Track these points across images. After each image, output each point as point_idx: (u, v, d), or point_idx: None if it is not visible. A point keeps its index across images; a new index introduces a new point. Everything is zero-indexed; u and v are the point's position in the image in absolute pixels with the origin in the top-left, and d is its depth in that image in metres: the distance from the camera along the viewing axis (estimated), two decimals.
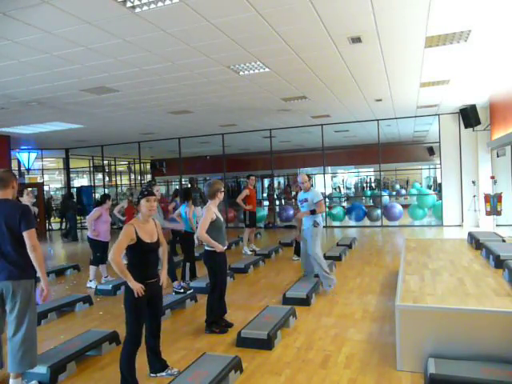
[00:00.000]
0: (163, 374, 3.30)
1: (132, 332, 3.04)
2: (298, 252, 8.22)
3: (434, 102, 9.81)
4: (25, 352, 3.06)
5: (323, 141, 13.03)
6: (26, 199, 5.79)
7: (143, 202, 3.11)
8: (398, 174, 23.55)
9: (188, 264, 6.34)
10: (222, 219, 4.38)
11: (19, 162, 14.93)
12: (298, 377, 3.27)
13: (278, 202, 19.31)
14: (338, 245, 8.78)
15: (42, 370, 3.30)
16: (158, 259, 3.30)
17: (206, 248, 4.35)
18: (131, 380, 3.04)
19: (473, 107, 10.29)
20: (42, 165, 17.21)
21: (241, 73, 6.63)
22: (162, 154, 19.75)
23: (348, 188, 24.88)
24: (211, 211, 4.27)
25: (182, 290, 5.48)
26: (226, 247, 4.47)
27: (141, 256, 3.10)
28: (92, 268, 6.52)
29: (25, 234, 3.10)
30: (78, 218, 17.07)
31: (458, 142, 11.40)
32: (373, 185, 25.08)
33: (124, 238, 3.00)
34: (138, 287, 2.97)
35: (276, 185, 22.27)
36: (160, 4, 4.03)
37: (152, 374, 3.32)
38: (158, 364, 3.34)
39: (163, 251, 3.42)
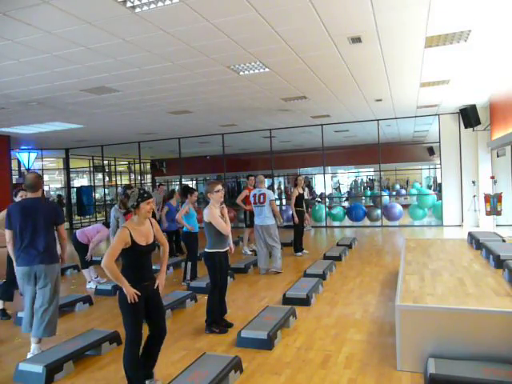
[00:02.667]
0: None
1: (131, 334, 2.98)
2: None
3: (434, 102, 9.81)
4: (50, 322, 3.80)
5: (323, 141, 13.04)
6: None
7: (143, 204, 3.00)
8: (397, 174, 23.55)
9: (190, 263, 6.37)
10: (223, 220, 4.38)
11: (19, 162, 14.93)
12: (298, 377, 3.27)
13: (278, 203, 19.29)
14: (337, 245, 8.78)
15: (37, 369, 3.31)
16: (151, 262, 3.20)
17: (206, 249, 4.35)
18: (137, 382, 2.98)
19: (473, 107, 10.28)
20: (42, 165, 17.21)
21: (241, 73, 6.63)
22: (162, 154, 19.76)
23: (336, 189, 24.78)
24: (214, 211, 4.26)
25: None
26: (227, 248, 4.47)
27: (135, 259, 3.01)
28: (85, 271, 6.50)
29: (59, 227, 3.93)
30: (77, 217, 17.16)
31: (458, 142, 11.40)
32: (367, 184, 25.08)
33: (118, 243, 2.91)
34: (131, 293, 2.89)
35: (276, 185, 22.26)
36: (160, 4, 4.03)
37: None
38: (144, 371, 3.12)
39: (163, 251, 3.35)
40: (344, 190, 25.12)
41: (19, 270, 3.82)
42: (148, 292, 3.07)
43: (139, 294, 2.94)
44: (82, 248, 6.36)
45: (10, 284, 5.06)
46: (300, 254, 8.32)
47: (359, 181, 25.61)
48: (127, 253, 2.97)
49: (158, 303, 3.18)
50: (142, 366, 3.11)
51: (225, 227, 4.25)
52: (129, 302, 2.89)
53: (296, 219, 8.20)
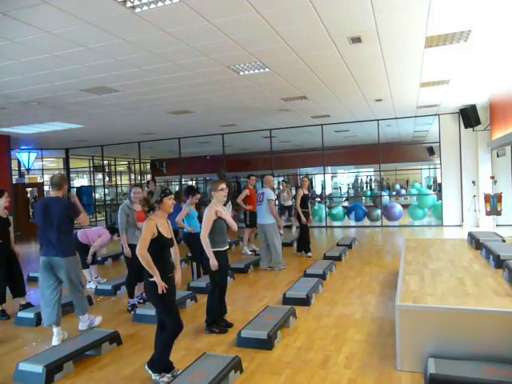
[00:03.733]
0: (168, 375, 3.26)
1: (172, 323, 3.19)
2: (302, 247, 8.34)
3: (434, 102, 9.81)
4: (81, 301, 4.45)
5: (323, 141, 13.04)
6: (4, 202, 5.25)
7: (166, 199, 3.31)
8: (397, 174, 23.55)
9: (195, 264, 6.39)
10: (224, 219, 4.37)
11: (19, 162, 14.93)
12: (298, 377, 3.27)
13: (277, 202, 19.25)
14: (337, 245, 8.78)
15: (37, 369, 3.31)
16: (171, 255, 3.44)
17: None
18: (167, 361, 3.25)
19: (473, 107, 10.28)
20: (42, 165, 17.21)
21: (241, 73, 6.63)
22: (162, 154, 19.76)
23: (336, 189, 24.75)
24: (212, 211, 4.26)
25: (130, 308, 5.15)
26: (227, 247, 4.47)
27: (161, 250, 3.24)
28: (86, 271, 6.49)
29: (78, 219, 4.44)
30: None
31: (458, 142, 11.40)
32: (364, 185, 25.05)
33: (148, 233, 3.14)
34: (162, 285, 3.12)
35: (276, 185, 22.24)
36: (160, 4, 4.03)
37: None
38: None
39: (175, 251, 3.53)
40: (344, 190, 25.09)
41: (40, 260, 4.31)
42: (172, 284, 3.31)
43: (167, 286, 3.15)
44: (82, 248, 6.33)
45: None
46: (310, 254, 8.19)
47: (359, 180, 25.61)
48: (154, 244, 3.17)
49: (174, 295, 3.42)
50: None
51: (205, 240, 4.23)
52: (159, 292, 3.10)
53: (303, 219, 8.16)
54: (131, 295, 5.25)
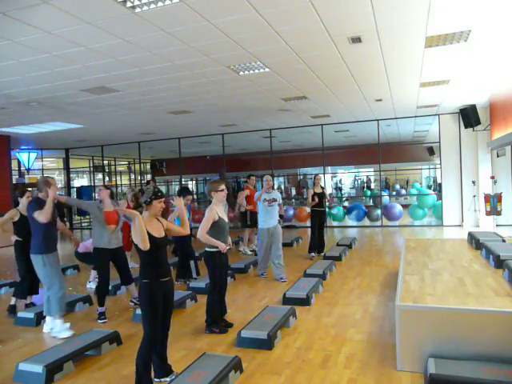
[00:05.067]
0: (167, 379, 3.23)
1: (149, 331, 3.05)
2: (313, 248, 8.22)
3: (434, 102, 9.81)
4: (48, 302, 4.37)
5: (323, 141, 13.04)
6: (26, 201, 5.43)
7: (156, 202, 3.14)
8: (397, 174, 23.54)
9: (192, 262, 6.40)
10: (226, 220, 4.37)
11: (19, 162, 14.93)
12: (298, 377, 3.27)
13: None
14: (337, 245, 8.77)
15: (37, 369, 3.31)
16: (167, 257, 3.28)
17: (207, 248, 4.34)
18: (146, 380, 3.01)
19: (473, 107, 10.29)
20: (42, 165, 17.20)
21: (241, 73, 6.63)
22: (162, 154, 19.76)
23: (336, 189, 24.73)
24: (213, 211, 4.25)
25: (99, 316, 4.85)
26: (228, 248, 4.46)
27: (153, 252, 3.04)
28: (94, 272, 6.48)
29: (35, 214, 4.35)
30: (77, 217, 17.14)
31: (458, 142, 11.40)
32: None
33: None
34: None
35: (276, 185, 22.26)
36: (160, 4, 4.03)
37: (156, 379, 3.24)
38: (163, 369, 3.27)
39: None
40: (344, 190, 25.09)
41: None
42: (167, 289, 3.16)
43: (159, 286, 3.08)
44: (85, 256, 6.31)
45: (23, 283, 5.24)
46: (312, 254, 8.03)
47: (359, 180, 25.63)
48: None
49: (172, 300, 3.29)
50: (159, 363, 3.25)
51: (200, 233, 4.17)
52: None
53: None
54: (101, 303, 4.85)
